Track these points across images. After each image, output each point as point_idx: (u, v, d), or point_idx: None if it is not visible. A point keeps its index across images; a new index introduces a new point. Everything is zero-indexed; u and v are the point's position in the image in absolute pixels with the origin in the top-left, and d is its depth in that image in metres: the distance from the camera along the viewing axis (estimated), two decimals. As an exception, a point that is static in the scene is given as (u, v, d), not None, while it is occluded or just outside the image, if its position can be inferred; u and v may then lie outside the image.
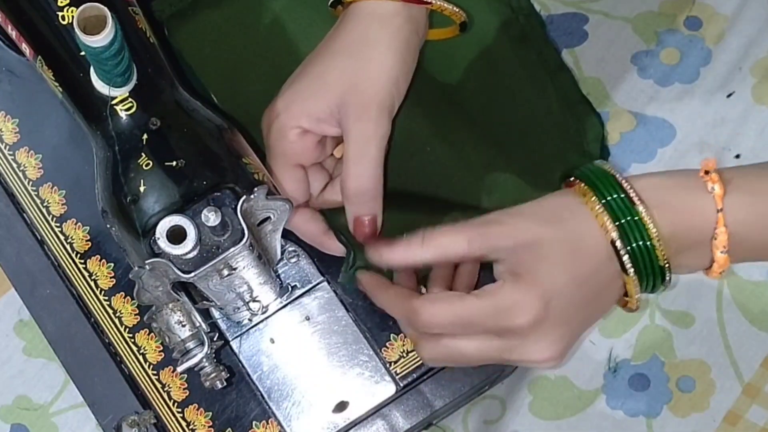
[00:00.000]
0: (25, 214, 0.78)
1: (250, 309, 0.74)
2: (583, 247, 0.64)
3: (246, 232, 0.63)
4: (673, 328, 0.84)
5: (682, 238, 0.64)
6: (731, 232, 0.63)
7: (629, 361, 0.84)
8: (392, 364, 0.75)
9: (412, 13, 0.73)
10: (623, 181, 0.64)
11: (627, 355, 0.84)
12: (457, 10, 0.76)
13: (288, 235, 0.75)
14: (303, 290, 0.76)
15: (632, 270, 0.64)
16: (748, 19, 0.88)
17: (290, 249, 0.76)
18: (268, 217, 0.67)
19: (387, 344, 0.75)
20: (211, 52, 0.81)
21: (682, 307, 0.85)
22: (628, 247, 0.63)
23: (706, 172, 0.64)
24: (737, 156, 0.86)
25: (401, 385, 0.75)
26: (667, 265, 0.64)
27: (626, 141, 0.87)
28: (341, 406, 0.74)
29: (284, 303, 0.76)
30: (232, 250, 0.63)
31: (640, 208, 0.63)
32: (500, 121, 0.80)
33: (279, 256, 0.73)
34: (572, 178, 0.66)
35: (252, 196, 0.63)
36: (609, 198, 0.64)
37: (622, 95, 0.88)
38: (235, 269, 0.65)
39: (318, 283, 0.76)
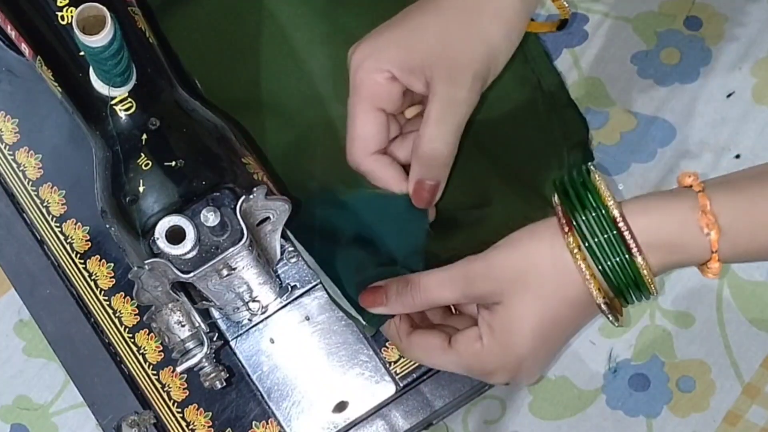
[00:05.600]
0: (25, 214, 0.78)
1: (250, 309, 0.74)
2: (562, 299, 0.64)
3: (245, 232, 0.63)
4: (673, 328, 0.84)
5: (671, 267, 0.64)
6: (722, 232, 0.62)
7: (629, 361, 0.84)
8: (392, 364, 0.75)
9: None
10: (621, 224, 0.62)
11: (627, 355, 0.84)
12: (566, 5, 0.74)
13: (287, 236, 0.75)
14: (303, 290, 0.76)
15: (617, 320, 0.65)
16: (748, 19, 0.88)
17: (290, 249, 0.76)
18: (268, 218, 0.67)
19: (387, 344, 0.75)
20: (199, 41, 0.81)
21: (682, 307, 0.85)
22: (614, 281, 0.63)
23: (703, 212, 0.61)
24: (737, 156, 0.86)
25: (401, 385, 0.75)
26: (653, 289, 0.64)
27: (626, 141, 0.87)
28: (341, 406, 0.74)
29: (284, 303, 0.75)
30: (231, 250, 0.63)
31: (639, 259, 0.61)
32: (485, 120, 0.79)
33: (278, 256, 0.73)
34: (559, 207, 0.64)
35: (251, 196, 0.64)
36: (597, 240, 0.62)
37: (622, 95, 0.87)
38: (234, 269, 0.65)
39: (318, 283, 0.76)
